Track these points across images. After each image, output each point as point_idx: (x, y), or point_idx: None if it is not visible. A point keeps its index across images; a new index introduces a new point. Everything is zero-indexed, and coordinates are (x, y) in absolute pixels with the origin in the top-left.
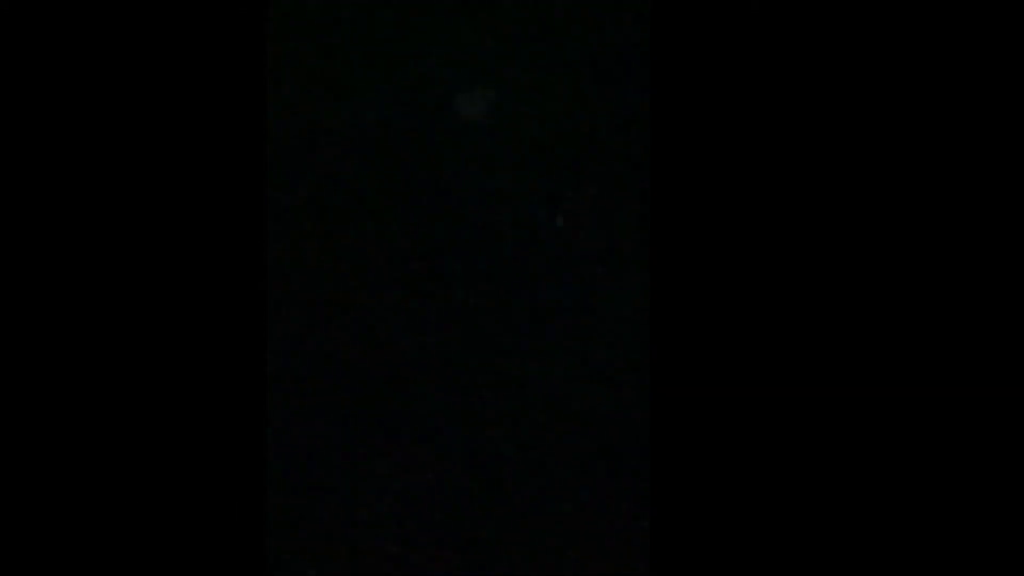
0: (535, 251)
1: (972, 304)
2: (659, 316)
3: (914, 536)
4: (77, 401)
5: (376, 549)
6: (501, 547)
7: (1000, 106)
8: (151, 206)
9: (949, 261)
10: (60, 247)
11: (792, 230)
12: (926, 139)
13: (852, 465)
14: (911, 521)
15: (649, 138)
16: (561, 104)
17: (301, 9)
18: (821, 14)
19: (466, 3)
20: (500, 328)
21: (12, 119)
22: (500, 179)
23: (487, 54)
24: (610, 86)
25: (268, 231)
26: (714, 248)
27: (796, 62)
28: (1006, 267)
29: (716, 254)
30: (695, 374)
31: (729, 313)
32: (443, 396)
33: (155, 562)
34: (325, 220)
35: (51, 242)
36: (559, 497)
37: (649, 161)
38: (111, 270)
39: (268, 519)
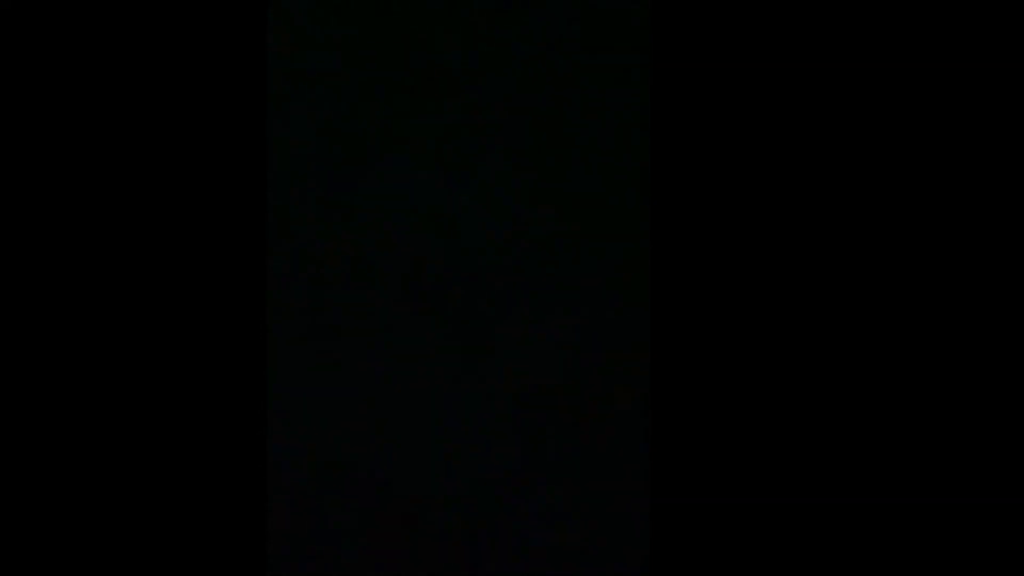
0: (535, 252)
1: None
2: (660, 319)
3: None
4: (78, 402)
5: (375, 548)
6: (502, 547)
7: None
8: (151, 207)
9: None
10: (60, 248)
11: (793, 233)
12: (927, 140)
13: (853, 463)
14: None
15: (649, 143)
16: (557, 98)
17: (301, 9)
18: (822, 17)
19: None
20: (501, 327)
21: (12, 119)
22: (502, 178)
23: (488, 49)
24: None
25: (268, 231)
26: (714, 249)
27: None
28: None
29: (716, 256)
30: (694, 371)
31: (728, 317)
32: (444, 398)
33: (156, 563)
34: (326, 218)
35: (51, 243)
36: (559, 496)
37: (650, 166)
38: (111, 271)
39: (268, 521)
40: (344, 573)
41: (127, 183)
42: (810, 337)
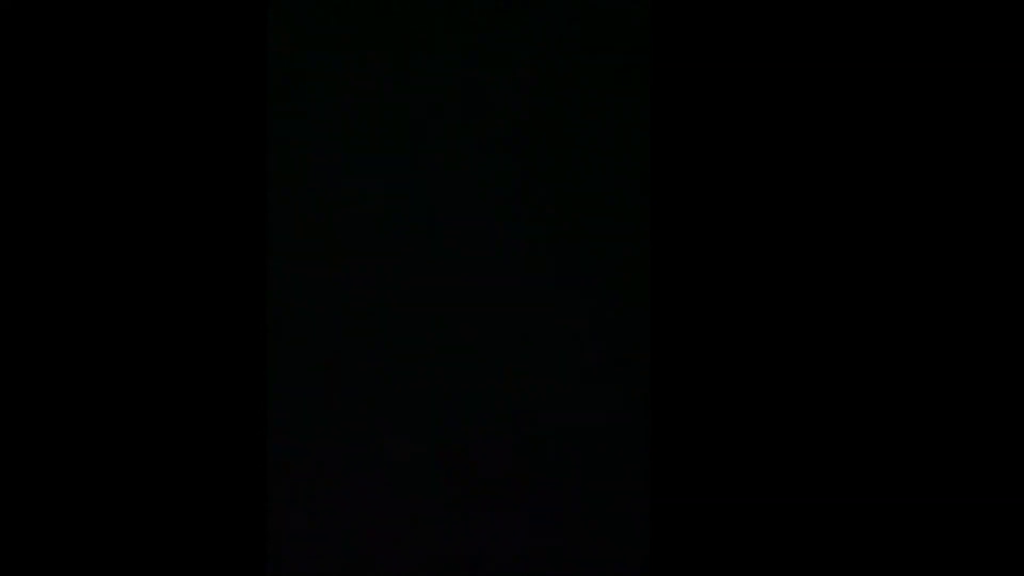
0: (535, 252)
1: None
2: (660, 325)
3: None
4: (79, 402)
5: (375, 548)
6: (502, 547)
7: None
8: (151, 207)
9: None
10: (60, 247)
11: (793, 233)
12: (927, 140)
13: (852, 462)
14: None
15: (649, 150)
16: (554, 99)
17: (301, 9)
18: (822, 17)
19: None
20: (501, 327)
21: (12, 119)
22: (502, 178)
23: (488, 49)
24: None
25: (268, 231)
26: (715, 250)
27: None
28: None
29: (716, 256)
30: (693, 367)
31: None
32: (444, 398)
33: (156, 563)
34: (326, 218)
35: (51, 243)
36: (559, 496)
37: (650, 177)
38: (112, 271)
39: (268, 521)
40: (344, 573)
41: (127, 183)
42: (810, 337)
